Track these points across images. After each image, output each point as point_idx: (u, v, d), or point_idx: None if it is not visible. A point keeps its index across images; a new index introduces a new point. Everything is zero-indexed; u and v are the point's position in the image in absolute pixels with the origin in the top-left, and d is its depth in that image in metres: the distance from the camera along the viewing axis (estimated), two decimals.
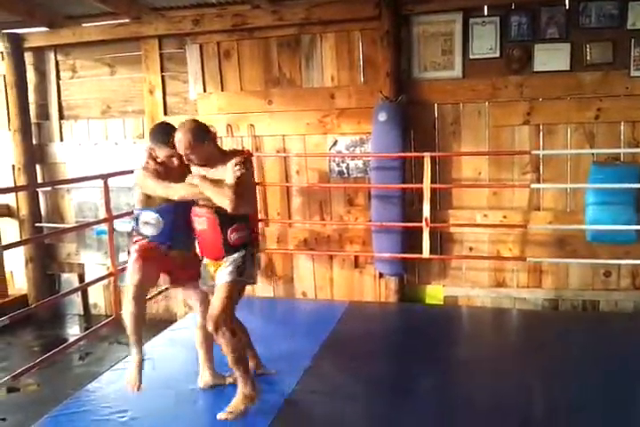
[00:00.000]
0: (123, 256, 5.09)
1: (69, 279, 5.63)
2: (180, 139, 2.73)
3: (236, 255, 2.85)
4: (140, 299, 2.97)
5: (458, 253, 4.72)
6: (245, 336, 3.17)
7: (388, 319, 4.55)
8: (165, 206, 2.94)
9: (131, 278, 2.95)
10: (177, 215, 2.96)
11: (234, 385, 3.02)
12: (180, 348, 3.77)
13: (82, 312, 5.59)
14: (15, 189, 5.39)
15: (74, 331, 5.28)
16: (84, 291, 5.54)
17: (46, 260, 5.62)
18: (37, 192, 5.51)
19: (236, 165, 2.72)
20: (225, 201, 2.70)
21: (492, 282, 4.69)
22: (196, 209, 2.88)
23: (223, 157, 2.82)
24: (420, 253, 4.40)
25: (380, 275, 4.85)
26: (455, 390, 3.23)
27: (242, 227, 2.86)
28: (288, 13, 4.66)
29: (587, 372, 3.32)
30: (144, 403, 3.10)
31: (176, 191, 2.84)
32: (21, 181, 5.40)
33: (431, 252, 4.40)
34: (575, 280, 4.53)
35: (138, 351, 2.98)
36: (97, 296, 5.59)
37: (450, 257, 4.72)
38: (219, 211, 2.78)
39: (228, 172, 2.73)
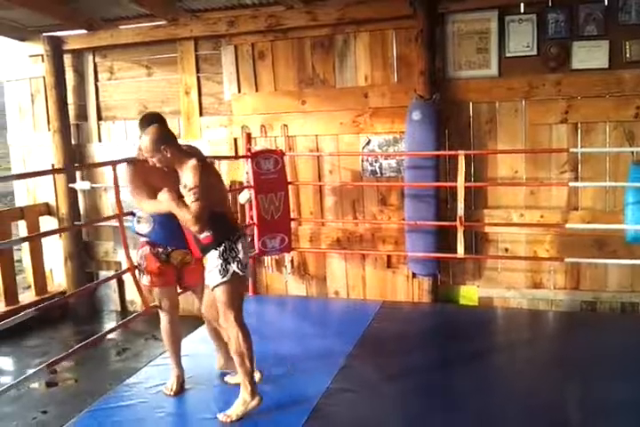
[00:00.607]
0: None
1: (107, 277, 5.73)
2: (141, 146, 2.92)
3: (212, 254, 2.88)
4: (173, 320, 3.23)
5: (493, 254, 4.67)
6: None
7: (422, 320, 4.52)
8: None
9: (160, 304, 3.22)
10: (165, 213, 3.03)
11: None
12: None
13: (119, 308, 5.70)
14: (25, 176, 5.51)
15: (110, 327, 5.37)
16: (120, 288, 5.65)
17: (84, 258, 5.73)
18: (76, 192, 5.62)
19: (190, 190, 2.79)
20: (191, 227, 2.81)
21: (528, 283, 4.63)
22: None
23: (185, 158, 2.88)
24: (454, 252, 4.37)
25: (413, 275, 4.82)
26: (490, 391, 3.19)
27: (209, 226, 2.84)
28: (322, 14, 4.67)
29: (626, 375, 3.25)
30: (181, 399, 3.16)
31: (145, 206, 3.04)
32: (60, 180, 5.52)
33: (465, 252, 4.37)
34: (614, 282, 4.43)
35: (176, 366, 3.24)
36: (133, 293, 5.67)
37: (485, 257, 4.68)
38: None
39: (187, 177, 2.82)
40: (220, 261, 2.86)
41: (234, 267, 2.87)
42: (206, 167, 2.92)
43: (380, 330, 4.09)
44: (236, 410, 2.90)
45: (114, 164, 3.39)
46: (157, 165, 2.90)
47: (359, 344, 3.81)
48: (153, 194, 2.95)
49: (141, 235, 3.17)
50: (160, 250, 3.14)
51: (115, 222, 3.61)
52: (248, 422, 2.89)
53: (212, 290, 2.93)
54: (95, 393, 3.47)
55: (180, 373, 3.26)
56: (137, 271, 3.26)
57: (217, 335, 3.33)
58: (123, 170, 3.12)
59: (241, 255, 2.90)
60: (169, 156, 2.86)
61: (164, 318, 3.23)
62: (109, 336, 4.74)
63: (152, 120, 3.11)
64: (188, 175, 2.81)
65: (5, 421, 3.47)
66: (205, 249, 2.90)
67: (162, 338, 3.32)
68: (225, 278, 2.86)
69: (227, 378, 3.30)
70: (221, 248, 2.87)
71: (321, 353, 3.63)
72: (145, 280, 3.19)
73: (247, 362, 2.89)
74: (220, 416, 2.90)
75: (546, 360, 3.57)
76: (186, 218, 2.78)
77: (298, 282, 5.14)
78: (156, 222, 3.10)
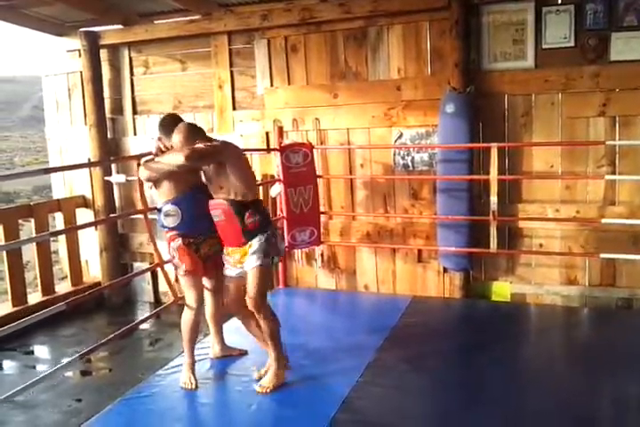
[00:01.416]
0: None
1: (141, 268, 5.81)
2: (175, 138, 3.07)
3: (257, 239, 3.02)
4: (198, 312, 3.28)
5: (527, 249, 4.60)
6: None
7: (453, 315, 4.48)
8: (181, 197, 3.17)
9: (186, 295, 3.27)
10: (195, 203, 3.17)
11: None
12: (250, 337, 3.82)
13: (152, 300, 5.79)
14: (55, 170, 5.62)
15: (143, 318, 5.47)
16: (154, 279, 5.73)
17: (120, 249, 5.83)
18: (112, 184, 5.71)
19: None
20: (179, 156, 2.94)
21: (562, 279, 4.54)
22: (211, 202, 3.08)
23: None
24: (487, 247, 4.32)
25: (445, 270, 4.78)
26: (520, 388, 3.14)
27: (255, 211, 3.03)
28: (355, 6, 4.65)
29: None
30: (211, 390, 3.20)
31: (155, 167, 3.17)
32: (97, 173, 5.62)
33: (498, 247, 4.32)
34: None
35: (190, 355, 3.28)
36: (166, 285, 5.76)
37: (518, 252, 4.61)
38: (232, 201, 3.00)
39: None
40: (265, 245, 3.02)
41: (274, 253, 3.08)
42: (243, 155, 3.12)
43: (409, 325, 4.06)
44: (271, 381, 3.10)
45: (138, 158, 3.48)
46: None
47: (389, 339, 3.79)
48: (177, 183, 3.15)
49: (170, 228, 3.22)
50: (191, 240, 3.21)
51: (151, 215, 3.65)
52: (278, 414, 2.93)
53: (248, 272, 3.05)
54: (128, 382, 3.53)
55: (193, 362, 3.31)
56: (173, 263, 3.30)
57: (217, 323, 3.53)
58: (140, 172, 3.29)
59: (280, 243, 3.14)
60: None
61: (189, 311, 3.25)
62: (142, 327, 4.82)
63: (175, 120, 3.28)
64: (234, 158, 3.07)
65: (41, 408, 3.55)
66: (251, 234, 3.02)
67: (182, 323, 3.31)
68: (265, 261, 3.02)
69: (256, 374, 3.28)
70: (267, 233, 3.03)
71: (350, 347, 3.63)
72: (181, 270, 3.22)
73: (280, 342, 3.13)
74: (257, 388, 3.09)
75: (578, 358, 3.50)
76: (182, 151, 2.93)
77: (328, 275, 5.14)
78: (184, 213, 3.17)
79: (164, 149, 3.21)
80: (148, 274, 5.67)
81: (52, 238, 5.60)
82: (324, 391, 3.08)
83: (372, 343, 3.69)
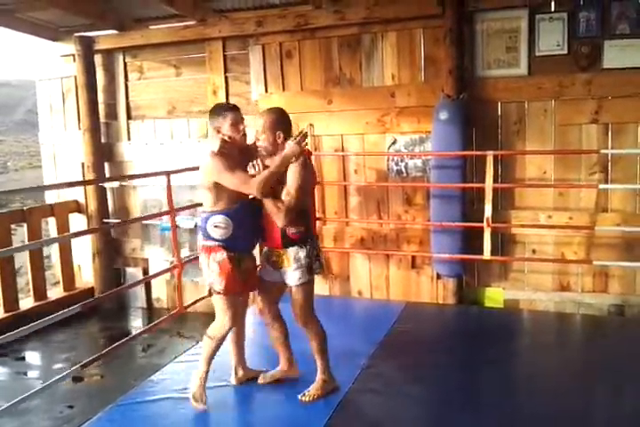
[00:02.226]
0: (184, 252, 5.24)
1: (134, 274, 5.81)
2: (263, 120, 2.88)
3: (296, 251, 2.89)
4: (227, 333, 3.06)
5: (520, 255, 4.61)
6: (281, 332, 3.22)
7: (447, 321, 4.48)
8: (235, 208, 2.90)
9: (220, 314, 3.00)
10: (247, 216, 2.94)
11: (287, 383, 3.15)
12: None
13: (145, 306, 5.77)
14: (80, 184, 5.60)
15: (137, 324, 5.45)
16: (147, 285, 5.71)
17: (112, 254, 5.82)
18: (105, 189, 5.71)
19: (296, 137, 2.86)
20: (276, 218, 2.81)
21: (555, 286, 4.56)
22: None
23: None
24: (480, 254, 4.33)
25: (438, 276, 4.79)
26: (513, 394, 3.15)
27: (300, 223, 2.88)
28: (350, 13, 4.67)
29: None
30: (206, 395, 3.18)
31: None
32: (90, 178, 5.60)
33: (492, 253, 4.32)
34: None
35: (206, 371, 3.06)
36: (160, 290, 5.75)
37: (511, 259, 4.62)
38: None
39: (290, 172, 2.81)
40: (307, 260, 2.91)
41: (317, 266, 2.97)
42: (309, 166, 2.95)
43: (403, 331, 4.06)
44: (316, 389, 3.07)
45: (168, 174, 3.38)
46: (259, 146, 2.89)
47: (382, 345, 3.79)
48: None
49: (215, 240, 2.92)
50: (233, 255, 2.93)
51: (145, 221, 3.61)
52: (272, 419, 2.92)
53: (292, 289, 2.97)
54: (120, 389, 3.50)
55: (207, 373, 3.10)
56: (208, 277, 2.99)
57: (240, 346, 3.28)
58: (207, 161, 2.87)
59: (320, 254, 3.03)
60: (279, 142, 2.86)
61: (219, 331, 3.00)
62: (134, 333, 4.80)
63: (219, 106, 3.04)
64: (291, 170, 2.81)
65: (32, 414, 3.53)
66: (290, 244, 2.90)
67: (208, 335, 3.05)
68: (309, 277, 2.95)
69: (260, 379, 3.25)
70: (308, 246, 2.92)
71: (344, 353, 3.61)
72: (218, 286, 2.93)
73: (327, 353, 3.10)
74: (302, 397, 3.05)
75: (570, 364, 3.50)
76: (276, 206, 2.78)
77: (321, 281, 5.14)
78: (235, 227, 2.90)
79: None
80: (141, 278, 5.65)
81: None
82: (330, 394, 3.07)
83: (366, 349, 3.68)
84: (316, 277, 3.03)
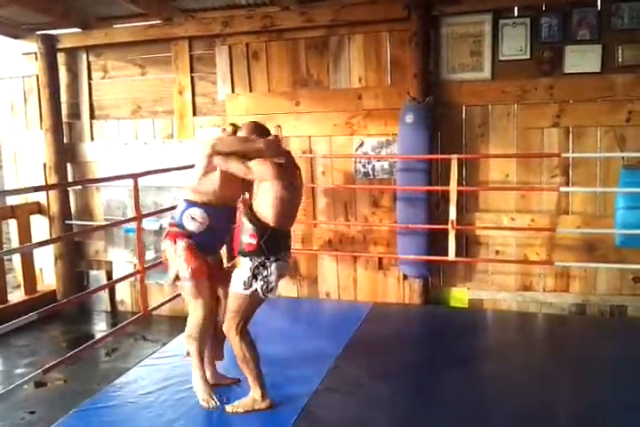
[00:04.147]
0: (149, 254, 5.18)
1: (97, 276, 5.72)
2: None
3: (245, 263, 2.83)
4: (208, 321, 3.02)
5: (484, 257, 4.68)
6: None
7: (413, 322, 4.53)
8: (218, 209, 2.98)
9: (191, 303, 2.99)
10: (222, 217, 3.00)
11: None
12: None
13: (109, 309, 5.67)
14: (46, 188, 5.49)
15: (101, 327, 5.36)
16: (111, 288, 5.61)
17: (75, 257, 5.71)
18: (67, 190, 5.61)
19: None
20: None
21: (518, 286, 4.65)
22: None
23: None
24: (446, 255, 4.39)
25: (405, 277, 4.83)
26: (478, 393, 3.20)
27: (256, 235, 2.79)
28: (317, 15, 4.68)
29: (613, 377, 3.27)
30: (170, 399, 3.14)
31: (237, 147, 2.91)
32: (52, 179, 5.50)
33: (457, 254, 4.39)
34: (603, 285, 4.46)
35: (200, 367, 3.05)
36: (124, 293, 5.67)
37: (475, 260, 4.69)
38: (252, 215, 2.82)
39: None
40: (249, 275, 2.82)
41: (258, 285, 2.83)
42: (286, 175, 2.86)
43: (370, 332, 4.09)
44: (244, 405, 2.96)
45: (135, 177, 3.35)
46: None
47: (349, 346, 3.81)
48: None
49: (183, 229, 2.97)
50: (203, 249, 3.00)
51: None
52: (239, 421, 2.90)
53: (231, 293, 2.90)
54: (84, 393, 3.43)
55: (205, 375, 3.11)
56: (172, 265, 2.99)
57: (210, 345, 3.21)
58: (205, 141, 3.02)
59: (272, 278, 2.84)
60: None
61: (196, 320, 2.98)
62: (98, 336, 4.72)
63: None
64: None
65: None
66: (243, 254, 2.84)
67: (188, 333, 3.04)
68: (245, 292, 2.83)
69: (229, 407, 3.02)
70: (256, 263, 2.82)
71: (311, 354, 3.63)
72: (185, 272, 2.92)
73: (254, 369, 2.92)
74: (228, 407, 2.96)
75: (534, 362, 3.58)
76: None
77: (289, 283, 5.13)
78: (209, 227, 2.96)
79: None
80: (104, 281, 5.56)
81: (5, 246, 5.45)
82: (284, 399, 3.05)
83: (333, 350, 3.69)
84: (269, 295, 2.87)
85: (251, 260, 2.82)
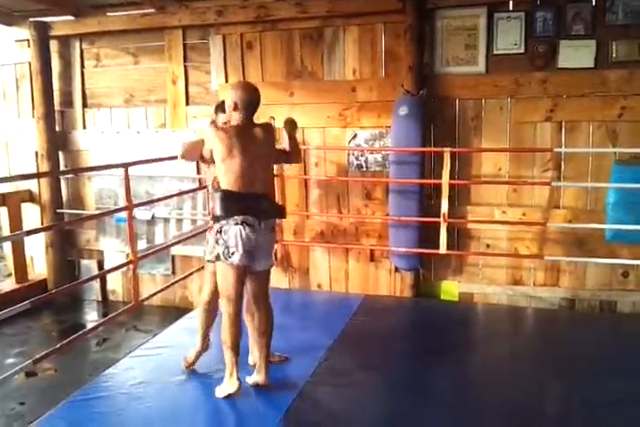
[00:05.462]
0: (141, 244, 5.18)
1: (88, 265, 5.70)
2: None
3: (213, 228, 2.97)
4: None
5: (475, 250, 4.71)
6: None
7: (403, 314, 4.55)
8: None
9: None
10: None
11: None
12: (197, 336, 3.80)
13: (100, 298, 5.66)
14: (38, 176, 5.46)
15: (92, 317, 5.35)
16: (102, 277, 5.60)
17: (66, 246, 5.69)
18: (59, 179, 5.58)
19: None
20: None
21: (508, 280, 4.67)
22: None
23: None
24: (437, 248, 4.40)
25: (396, 269, 4.85)
26: (468, 386, 3.24)
27: (214, 200, 2.94)
28: (312, 6, 4.65)
29: (601, 373, 3.30)
30: (161, 390, 3.16)
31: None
32: (44, 167, 5.47)
33: (448, 247, 4.40)
34: (593, 280, 4.49)
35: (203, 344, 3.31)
36: (115, 283, 5.66)
37: (467, 253, 4.71)
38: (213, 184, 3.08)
39: None
40: (212, 241, 2.94)
41: (220, 250, 2.89)
42: (227, 135, 2.96)
43: (361, 324, 4.11)
44: (219, 389, 3.05)
45: (126, 166, 3.46)
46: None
47: (340, 338, 3.83)
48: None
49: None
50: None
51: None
52: (227, 414, 2.92)
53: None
54: (75, 384, 3.43)
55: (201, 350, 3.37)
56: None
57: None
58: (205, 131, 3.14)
59: (231, 242, 2.86)
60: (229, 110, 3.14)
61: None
62: (89, 326, 4.72)
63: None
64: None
65: None
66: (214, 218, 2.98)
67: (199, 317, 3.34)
68: (210, 257, 2.97)
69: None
70: (216, 228, 2.91)
71: (302, 346, 3.65)
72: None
73: (230, 348, 2.98)
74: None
75: (523, 356, 3.61)
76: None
77: (281, 274, 5.14)
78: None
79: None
80: (96, 270, 5.56)
81: None
82: (275, 391, 3.08)
83: (324, 342, 3.72)
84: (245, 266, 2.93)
85: (215, 224, 2.94)
